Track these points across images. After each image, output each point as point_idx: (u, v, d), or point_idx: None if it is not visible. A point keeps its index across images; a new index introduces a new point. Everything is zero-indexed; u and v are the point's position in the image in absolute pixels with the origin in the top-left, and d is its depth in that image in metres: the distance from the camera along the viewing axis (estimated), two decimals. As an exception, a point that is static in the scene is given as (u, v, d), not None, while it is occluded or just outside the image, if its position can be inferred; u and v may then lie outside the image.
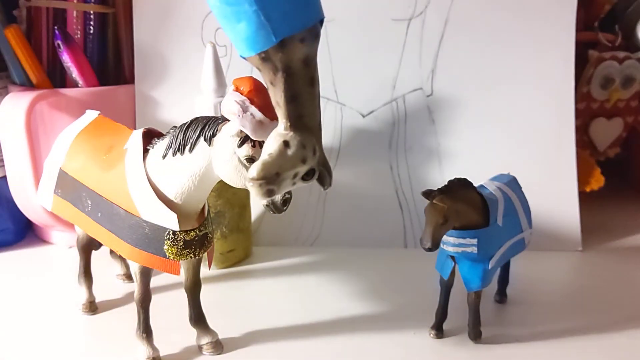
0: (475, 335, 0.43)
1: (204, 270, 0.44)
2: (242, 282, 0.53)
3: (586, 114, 0.66)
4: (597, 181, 0.63)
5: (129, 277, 0.51)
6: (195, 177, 0.37)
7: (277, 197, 0.36)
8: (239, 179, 0.36)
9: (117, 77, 0.60)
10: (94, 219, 0.40)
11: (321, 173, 0.35)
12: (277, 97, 0.32)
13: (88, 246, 0.47)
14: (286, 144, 0.32)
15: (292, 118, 0.32)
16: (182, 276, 0.41)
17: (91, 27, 0.57)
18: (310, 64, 0.31)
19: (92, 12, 0.57)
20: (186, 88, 0.58)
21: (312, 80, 0.32)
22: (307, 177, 0.34)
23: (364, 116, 0.59)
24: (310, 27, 0.31)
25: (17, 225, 0.60)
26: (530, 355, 0.42)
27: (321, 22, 0.32)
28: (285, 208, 0.37)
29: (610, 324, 0.46)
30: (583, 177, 0.61)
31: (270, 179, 0.32)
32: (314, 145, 0.33)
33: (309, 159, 0.33)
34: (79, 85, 0.56)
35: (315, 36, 0.31)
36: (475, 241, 0.41)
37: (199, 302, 0.42)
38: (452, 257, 0.42)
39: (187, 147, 0.37)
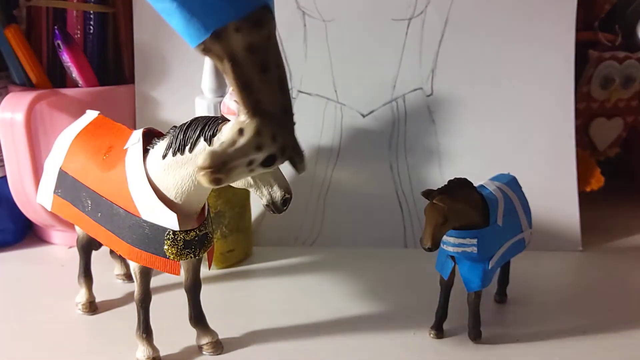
0: (475, 335, 0.43)
1: (204, 270, 0.44)
2: (242, 282, 0.53)
3: (586, 114, 0.66)
4: (597, 181, 0.63)
5: (129, 277, 0.51)
6: (195, 177, 0.37)
7: (277, 197, 0.36)
8: (239, 179, 0.36)
9: (117, 77, 0.60)
10: (94, 219, 0.40)
11: (291, 158, 0.34)
12: (230, 85, 0.32)
13: (88, 246, 0.47)
14: (240, 131, 0.32)
15: (248, 105, 0.32)
16: (182, 276, 0.41)
17: (91, 27, 0.57)
18: (257, 51, 0.31)
19: (92, 12, 0.57)
20: (186, 88, 0.58)
21: (264, 67, 0.31)
22: (267, 162, 0.33)
23: (364, 116, 0.59)
24: (243, 16, 0.30)
25: (17, 225, 0.60)
26: (530, 355, 0.42)
27: (265, 7, 0.31)
28: (285, 208, 0.37)
29: (610, 324, 0.46)
30: (583, 177, 0.61)
31: (216, 168, 0.32)
32: (274, 131, 0.32)
33: (265, 147, 0.32)
34: (79, 85, 0.56)
35: (255, 23, 0.30)
36: (475, 241, 0.41)
37: (199, 302, 0.42)
38: (452, 257, 0.42)
39: (187, 147, 0.37)
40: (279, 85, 0.32)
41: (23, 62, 0.55)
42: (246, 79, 0.31)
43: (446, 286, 0.43)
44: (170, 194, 0.38)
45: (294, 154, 0.34)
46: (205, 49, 0.31)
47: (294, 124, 0.33)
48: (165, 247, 0.38)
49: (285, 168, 0.35)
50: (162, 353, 0.41)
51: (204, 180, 0.32)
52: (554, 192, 0.58)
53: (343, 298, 0.49)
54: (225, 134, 0.33)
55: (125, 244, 0.39)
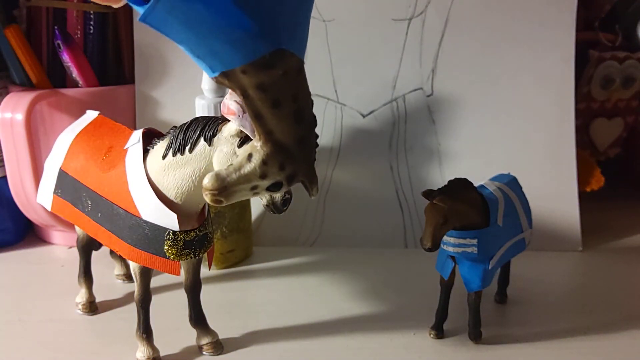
0: (476, 335, 0.43)
1: (204, 271, 0.44)
2: (242, 282, 0.53)
3: (586, 114, 0.66)
4: (597, 181, 0.63)
5: (129, 277, 0.51)
6: (196, 177, 0.37)
7: (277, 197, 0.37)
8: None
9: (117, 77, 0.60)
10: (94, 219, 0.40)
11: (303, 183, 0.35)
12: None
13: (88, 246, 0.47)
14: (249, 157, 0.33)
15: (261, 133, 0.33)
16: (182, 276, 0.41)
17: (91, 27, 0.57)
18: (268, 89, 0.31)
19: (92, 12, 0.57)
20: (186, 88, 0.58)
21: (276, 102, 0.32)
22: (272, 188, 0.34)
23: (364, 116, 0.59)
24: (250, 62, 0.30)
25: (17, 225, 0.60)
26: (530, 355, 0.42)
27: (277, 51, 0.31)
28: (285, 208, 0.37)
29: (610, 324, 0.46)
30: (583, 177, 0.61)
31: (218, 191, 0.33)
32: (282, 161, 0.33)
33: (270, 175, 0.34)
34: (79, 85, 0.56)
35: (265, 66, 0.30)
36: (475, 241, 0.41)
37: (199, 302, 0.42)
38: (453, 257, 0.42)
39: (187, 147, 0.37)
40: (294, 118, 0.32)
41: (23, 62, 0.55)
42: (257, 112, 0.32)
43: (446, 286, 0.43)
44: (170, 194, 0.38)
45: (306, 180, 0.35)
46: (218, 82, 0.32)
47: (310, 151, 0.34)
48: (165, 247, 0.38)
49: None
50: (162, 353, 0.41)
51: (206, 199, 0.34)
52: (554, 192, 0.58)
53: (343, 298, 0.49)
54: (238, 155, 0.34)
55: (125, 244, 0.39)
